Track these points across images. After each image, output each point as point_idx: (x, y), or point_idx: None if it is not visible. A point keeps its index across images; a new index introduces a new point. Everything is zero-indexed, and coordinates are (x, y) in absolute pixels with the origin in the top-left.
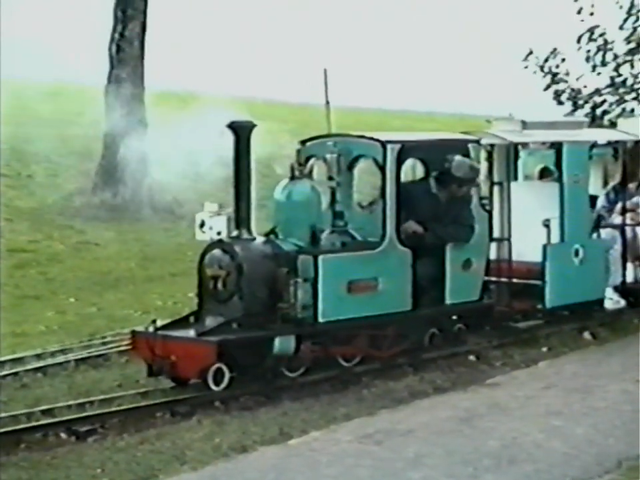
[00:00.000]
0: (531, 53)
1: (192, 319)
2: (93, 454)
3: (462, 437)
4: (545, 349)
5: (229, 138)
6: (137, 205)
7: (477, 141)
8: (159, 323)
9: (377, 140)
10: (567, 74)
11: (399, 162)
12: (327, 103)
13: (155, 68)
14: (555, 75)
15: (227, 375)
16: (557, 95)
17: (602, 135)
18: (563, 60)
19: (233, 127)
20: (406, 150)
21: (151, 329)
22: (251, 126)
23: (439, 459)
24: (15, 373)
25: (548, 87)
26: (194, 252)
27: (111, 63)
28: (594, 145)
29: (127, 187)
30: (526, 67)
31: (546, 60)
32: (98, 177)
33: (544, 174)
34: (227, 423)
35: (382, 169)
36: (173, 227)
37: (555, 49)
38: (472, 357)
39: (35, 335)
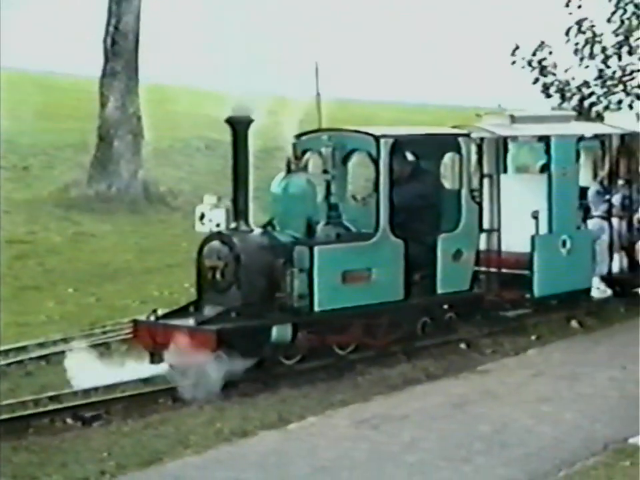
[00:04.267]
0: (517, 48)
1: (192, 308)
2: (100, 438)
3: (455, 422)
4: (533, 337)
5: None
6: (131, 196)
7: (468, 135)
8: (160, 312)
9: (371, 134)
10: (555, 66)
11: (392, 155)
12: (318, 94)
13: (149, 61)
14: (543, 68)
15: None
16: (546, 87)
17: (589, 129)
18: (551, 53)
19: (231, 121)
20: (399, 144)
21: (152, 318)
22: (249, 120)
23: (433, 442)
24: (20, 361)
25: (536, 80)
26: (189, 243)
27: (106, 55)
28: (581, 138)
29: (121, 179)
30: (514, 63)
31: (534, 54)
32: (93, 169)
33: (544, 169)
34: (227, 409)
35: (375, 162)
36: (168, 219)
37: (542, 42)
38: (463, 345)
39: (37, 325)
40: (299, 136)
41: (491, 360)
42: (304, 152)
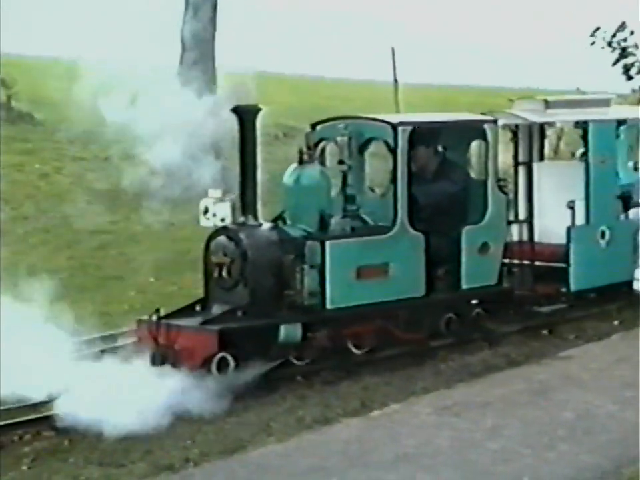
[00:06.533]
0: (598, 29)
1: (198, 307)
2: (183, 426)
3: (537, 409)
4: (616, 323)
5: None
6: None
7: (494, 121)
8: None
9: (388, 122)
10: (636, 47)
11: (411, 144)
12: (395, 81)
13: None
14: (623, 49)
15: (232, 365)
16: (626, 69)
17: (631, 112)
18: (632, 33)
19: (237, 111)
20: (418, 131)
21: (154, 318)
22: (256, 110)
23: (515, 429)
24: (103, 351)
25: (617, 61)
26: None
27: (183, 45)
28: (621, 123)
29: None
30: (593, 43)
31: (614, 35)
32: None
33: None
34: (308, 397)
35: (393, 151)
36: None
37: (623, 23)
38: (545, 331)
39: (119, 314)
40: (313, 125)
41: (574, 345)
42: (319, 141)
